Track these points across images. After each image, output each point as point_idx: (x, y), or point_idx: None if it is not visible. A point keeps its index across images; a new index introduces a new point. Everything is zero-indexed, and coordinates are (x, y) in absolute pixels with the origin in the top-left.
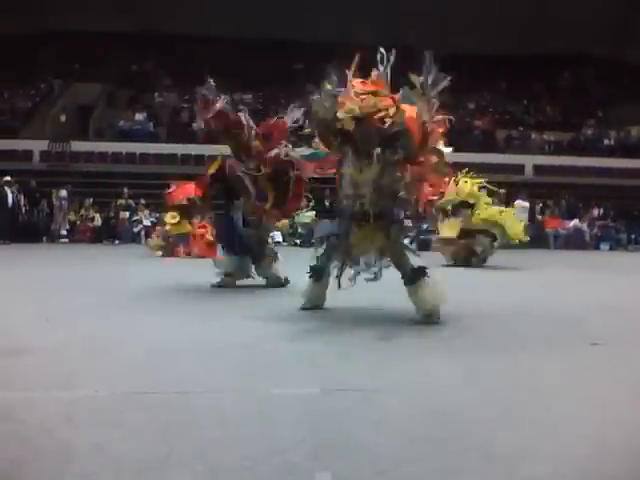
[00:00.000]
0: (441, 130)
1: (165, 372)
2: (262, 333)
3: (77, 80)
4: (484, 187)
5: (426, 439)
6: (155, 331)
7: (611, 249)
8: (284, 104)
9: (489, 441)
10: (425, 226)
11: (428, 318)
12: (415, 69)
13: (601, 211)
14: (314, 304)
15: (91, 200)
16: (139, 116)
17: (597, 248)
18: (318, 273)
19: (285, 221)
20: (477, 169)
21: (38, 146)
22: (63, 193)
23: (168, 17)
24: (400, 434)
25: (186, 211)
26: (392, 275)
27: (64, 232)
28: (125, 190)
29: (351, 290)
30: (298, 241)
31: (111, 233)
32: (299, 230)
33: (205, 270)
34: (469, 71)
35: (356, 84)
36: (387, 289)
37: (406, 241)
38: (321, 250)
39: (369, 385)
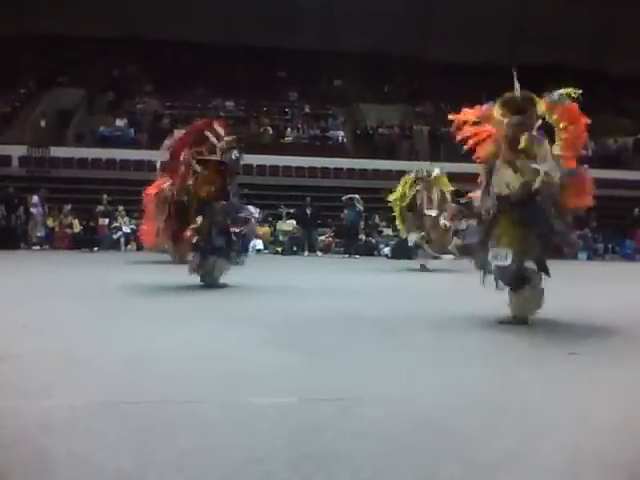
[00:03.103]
0: None
1: (144, 381)
2: (242, 340)
3: (57, 85)
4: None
5: (406, 448)
6: (134, 338)
7: (589, 258)
8: (266, 111)
9: (470, 450)
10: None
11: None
12: (396, 77)
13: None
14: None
15: (70, 206)
16: (120, 122)
17: (575, 257)
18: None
19: (267, 229)
20: (459, 178)
21: (17, 151)
22: (34, 199)
23: (151, 23)
24: (380, 443)
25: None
26: (370, 281)
27: (35, 239)
28: (104, 196)
29: (331, 296)
30: (279, 249)
31: (90, 240)
32: (280, 238)
33: (183, 272)
34: (450, 81)
35: None
36: (369, 295)
37: (386, 249)
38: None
39: (349, 394)
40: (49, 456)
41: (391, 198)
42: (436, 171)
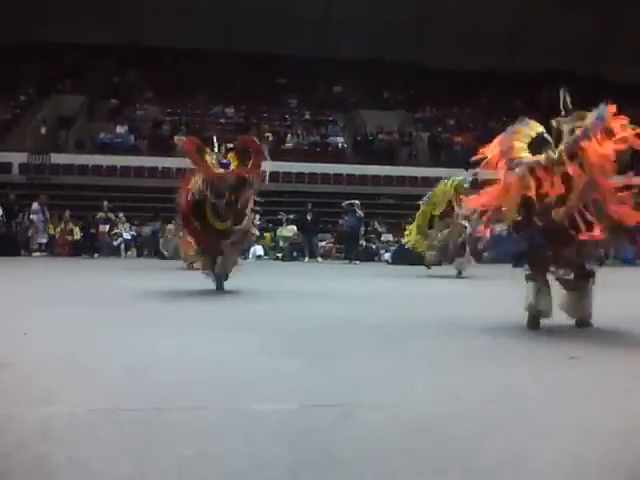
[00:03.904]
0: None
1: (144, 388)
2: (242, 346)
3: (58, 92)
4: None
5: (407, 454)
6: (135, 344)
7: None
8: (266, 118)
9: (470, 455)
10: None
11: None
12: (395, 83)
13: None
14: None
15: (68, 213)
16: (120, 129)
17: None
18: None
19: (267, 235)
20: None
21: (17, 158)
22: (34, 206)
23: (151, 30)
24: (381, 450)
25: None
26: (370, 287)
27: (36, 246)
28: (105, 203)
29: (332, 302)
30: (280, 255)
31: (90, 247)
32: (281, 244)
33: (184, 277)
34: (449, 87)
35: None
36: (370, 301)
37: (386, 254)
38: None
39: (349, 400)
40: (49, 463)
41: (435, 210)
42: (467, 180)
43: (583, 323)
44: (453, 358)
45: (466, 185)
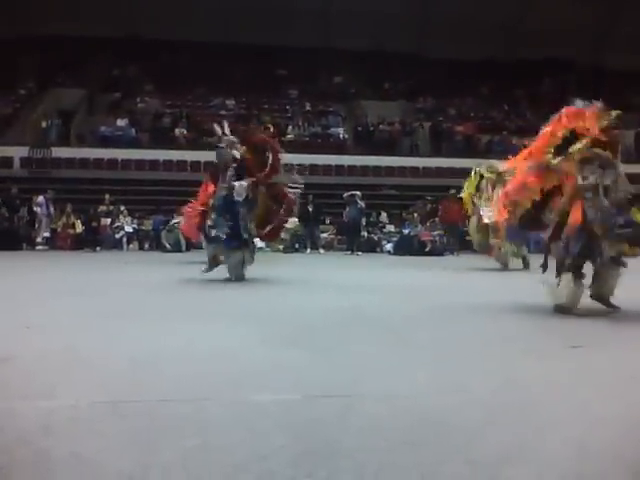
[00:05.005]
0: None
1: (146, 380)
2: (244, 338)
3: (58, 85)
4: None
5: (409, 444)
6: (137, 338)
7: None
8: (267, 109)
9: (473, 446)
10: (407, 230)
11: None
12: (396, 74)
13: None
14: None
15: (70, 206)
16: (121, 122)
17: None
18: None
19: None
20: (459, 174)
21: (19, 152)
22: (39, 199)
23: (150, 22)
24: (383, 440)
25: None
26: (373, 278)
27: (40, 239)
28: (106, 196)
29: (334, 293)
30: (281, 247)
31: (92, 240)
32: (282, 236)
33: (185, 270)
34: (450, 77)
35: None
36: (372, 292)
37: (388, 245)
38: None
39: (352, 391)
40: (51, 457)
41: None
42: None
43: (561, 309)
44: (455, 348)
45: (496, 168)
